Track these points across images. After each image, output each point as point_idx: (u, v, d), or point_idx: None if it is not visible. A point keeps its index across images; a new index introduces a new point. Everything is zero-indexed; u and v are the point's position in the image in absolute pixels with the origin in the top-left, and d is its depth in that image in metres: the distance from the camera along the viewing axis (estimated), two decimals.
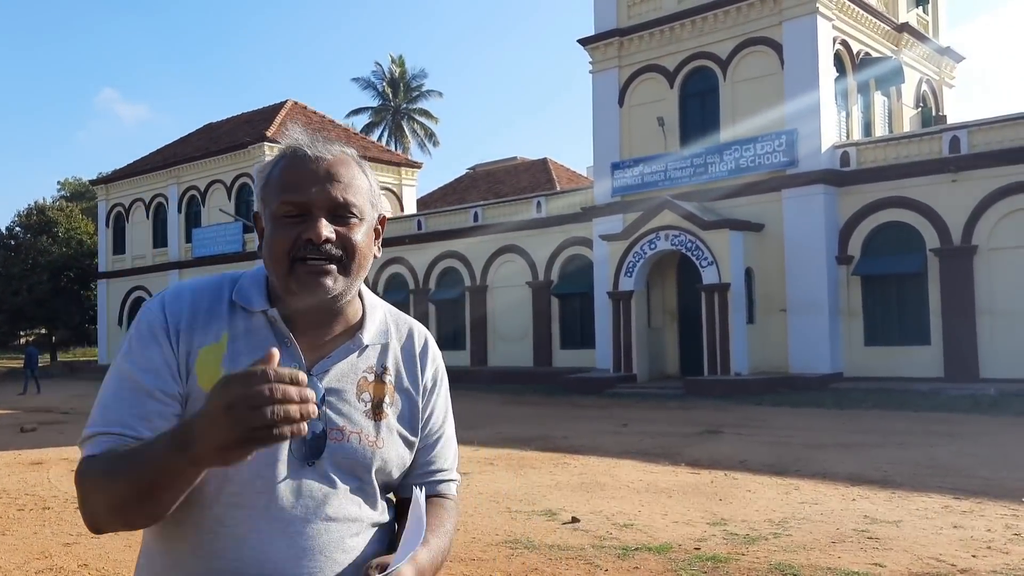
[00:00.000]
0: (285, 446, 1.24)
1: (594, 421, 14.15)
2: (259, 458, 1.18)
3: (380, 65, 53.45)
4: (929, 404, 15.05)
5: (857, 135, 21.25)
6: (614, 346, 21.26)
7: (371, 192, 1.36)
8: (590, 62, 23.67)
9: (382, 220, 1.40)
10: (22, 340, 49.54)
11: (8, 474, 9.69)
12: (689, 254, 20.00)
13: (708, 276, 19.60)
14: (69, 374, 37.48)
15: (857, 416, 13.96)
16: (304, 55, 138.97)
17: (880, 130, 22.31)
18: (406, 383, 1.40)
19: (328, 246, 1.27)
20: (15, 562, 5.74)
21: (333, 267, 1.28)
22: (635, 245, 20.88)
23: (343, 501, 1.29)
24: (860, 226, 19.48)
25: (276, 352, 1.04)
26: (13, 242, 43.63)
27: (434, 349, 1.48)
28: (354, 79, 52.39)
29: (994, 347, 17.69)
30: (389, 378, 1.38)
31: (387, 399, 1.36)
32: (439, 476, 1.46)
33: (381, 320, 1.42)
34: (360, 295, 1.40)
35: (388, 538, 1.38)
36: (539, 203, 25.78)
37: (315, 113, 36.03)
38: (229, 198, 33.47)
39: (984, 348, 17.82)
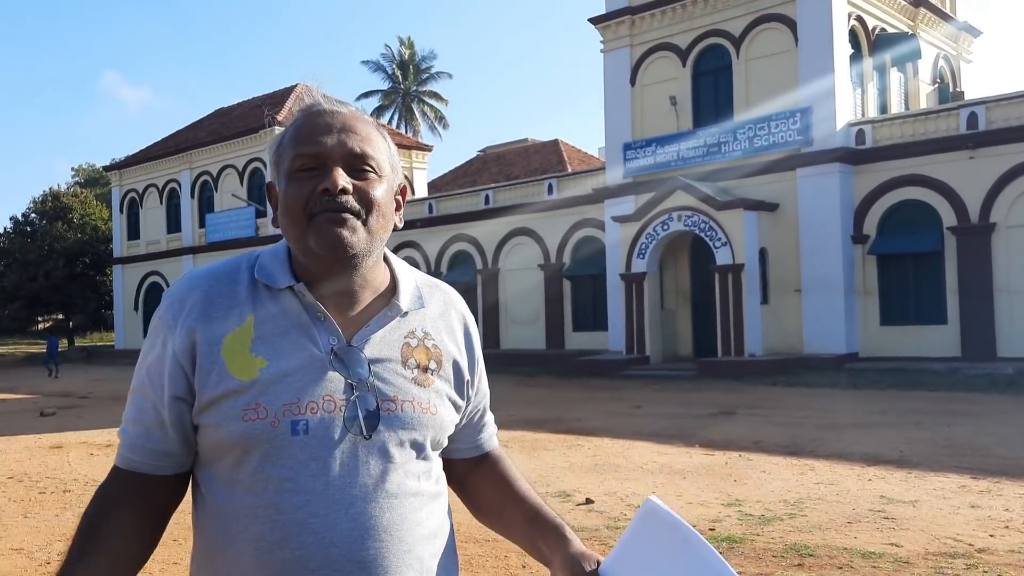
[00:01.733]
0: (339, 422, 1.19)
1: (607, 403, 14.15)
2: (311, 438, 1.17)
3: (389, 47, 53.42)
4: (946, 384, 14.97)
5: (873, 113, 21.02)
6: (627, 328, 21.23)
7: (390, 154, 1.29)
8: (601, 41, 23.49)
9: (403, 190, 1.32)
10: (40, 326, 50.03)
11: (29, 457, 9.80)
12: (702, 235, 19.91)
13: (722, 257, 19.51)
14: (87, 359, 37.81)
15: (873, 396, 13.90)
16: (313, 38, 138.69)
17: (896, 107, 22.07)
18: (449, 347, 1.34)
19: (345, 197, 1.20)
20: (37, 543, 5.82)
21: (353, 218, 1.20)
22: (648, 226, 20.80)
23: (402, 475, 1.22)
24: (876, 205, 19.32)
25: None
26: (29, 228, 43.96)
27: (468, 312, 1.43)
28: (363, 62, 52.31)
29: (1012, 326, 17.55)
30: (431, 342, 1.31)
31: (432, 364, 1.30)
32: (489, 433, 1.48)
33: (413, 285, 1.34)
34: (387, 260, 1.33)
35: (446, 508, 1.34)
36: (551, 185, 25.70)
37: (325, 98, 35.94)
38: (241, 183, 33.53)
39: (1002, 327, 17.68)
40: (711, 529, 5.67)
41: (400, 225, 1.31)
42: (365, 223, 1.22)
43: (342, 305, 1.25)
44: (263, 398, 1.17)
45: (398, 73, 52.51)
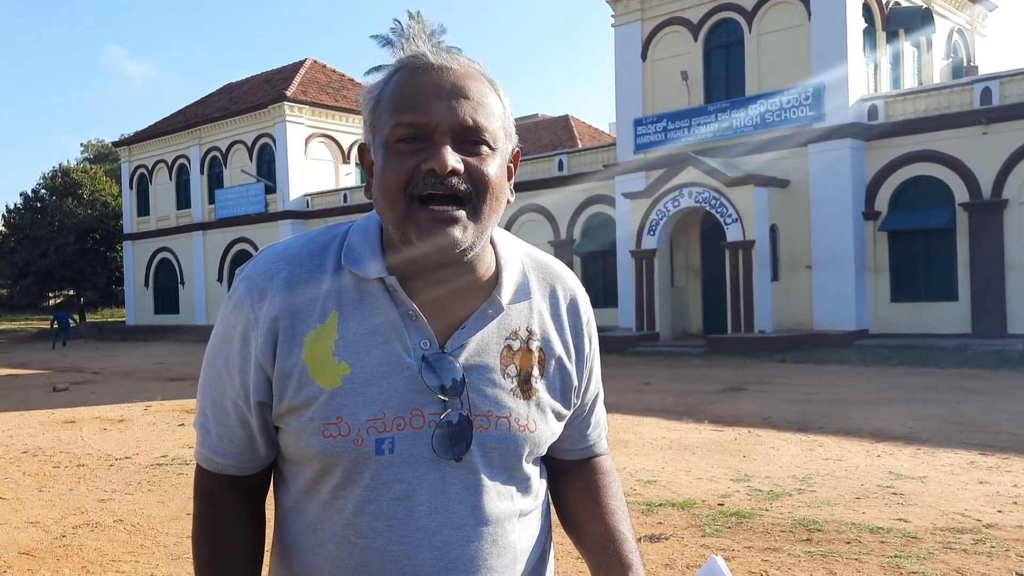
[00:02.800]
0: (426, 441, 1.07)
1: (617, 379, 14.18)
2: (396, 458, 1.06)
3: (399, 22, 52.91)
4: (955, 360, 14.94)
5: (886, 87, 20.82)
6: (636, 305, 21.22)
7: (504, 118, 1.10)
8: (612, 15, 23.28)
9: (516, 155, 1.15)
10: (51, 302, 50.34)
11: (43, 432, 9.90)
12: (713, 211, 19.83)
13: (732, 233, 19.44)
14: (98, 335, 38.08)
15: (882, 373, 13.89)
16: (320, 12, 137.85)
17: (909, 82, 21.83)
18: (556, 348, 1.17)
19: (454, 179, 1.03)
20: (53, 517, 5.89)
21: (462, 213, 1.04)
22: (658, 202, 20.72)
23: (494, 498, 1.10)
24: (888, 181, 19.18)
25: None
26: (39, 204, 44.09)
27: (585, 301, 1.25)
28: (372, 36, 51.93)
29: (1023, 303, 17.46)
30: (536, 344, 1.15)
31: (535, 371, 1.14)
32: (596, 436, 1.31)
33: (519, 272, 1.16)
34: (492, 242, 1.15)
35: (544, 523, 1.22)
36: (561, 161, 25.59)
37: (334, 71, 35.84)
38: (250, 158, 33.50)
39: (1013, 304, 17.59)
40: (720, 504, 5.71)
41: (512, 199, 1.14)
42: (475, 211, 1.05)
43: (438, 299, 1.10)
44: (345, 412, 1.06)
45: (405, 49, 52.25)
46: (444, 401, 1.07)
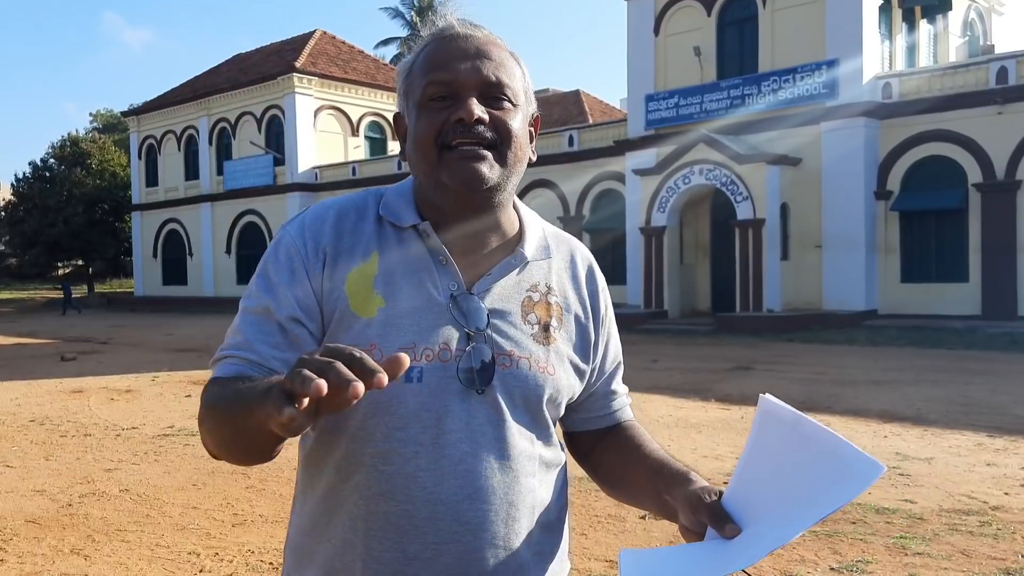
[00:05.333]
0: (452, 373, 1.12)
1: (624, 356, 14.16)
2: (424, 387, 1.11)
3: None
4: (965, 342, 14.87)
5: (900, 65, 20.57)
6: (645, 282, 21.16)
7: (525, 82, 1.21)
8: None
9: (536, 120, 1.25)
10: (59, 271, 50.53)
11: (51, 401, 9.95)
12: (724, 189, 19.70)
13: (742, 211, 19.32)
14: (106, 305, 38.23)
15: (891, 353, 13.83)
16: None
17: (924, 60, 21.57)
18: (574, 306, 1.26)
19: (481, 128, 1.13)
20: (59, 486, 5.92)
21: (488, 152, 1.13)
22: (668, 180, 20.60)
23: (516, 435, 1.15)
24: (900, 160, 19.01)
25: (405, 359, 0.85)
26: (48, 174, 44.11)
27: (597, 268, 1.34)
28: (382, 8, 51.54)
29: None
30: (555, 298, 1.23)
31: (555, 322, 1.22)
32: (621, 403, 1.36)
33: (540, 235, 1.26)
34: (515, 207, 1.26)
35: (561, 477, 1.26)
36: (571, 136, 25.44)
37: (344, 43, 35.63)
38: (259, 130, 33.40)
39: None
40: (725, 482, 5.68)
41: (534, 159, 1.24)
42: (501, 156, 1.15)
43: (467, 249, 1.19)
44: (379, 340, 1.12)
45: (417, 20, 51.83)
46: (469, 336, 1.14)
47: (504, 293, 1.19)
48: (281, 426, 0.82)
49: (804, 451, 1.02)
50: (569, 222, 25.05)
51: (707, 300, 21.73)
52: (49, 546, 4.59)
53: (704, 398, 9.49)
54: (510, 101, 1.17)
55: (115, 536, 4.76)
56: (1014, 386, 10.02)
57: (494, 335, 1.15)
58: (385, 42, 52.12)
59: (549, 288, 1.23)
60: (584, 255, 1.32)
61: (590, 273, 1.31)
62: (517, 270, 1.20)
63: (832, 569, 4.06)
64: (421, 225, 1.17)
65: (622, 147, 22.95)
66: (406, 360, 0.85)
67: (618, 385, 1.36)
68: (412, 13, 51.78)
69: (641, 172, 21.23)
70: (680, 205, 20.84)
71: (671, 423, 7.97)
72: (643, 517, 4.92)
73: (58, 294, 37.49)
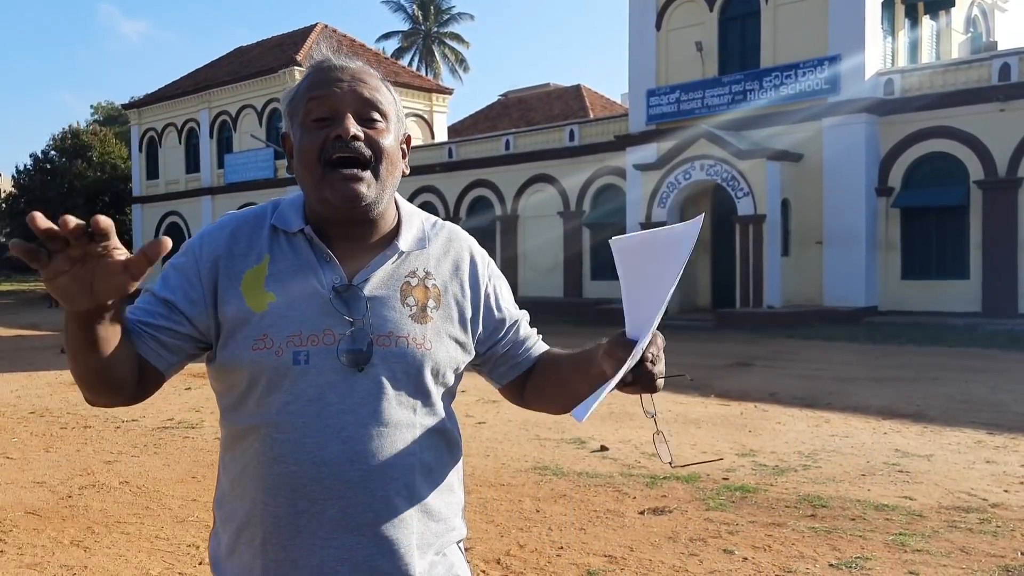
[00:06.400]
0: (334, 355, 1.30)
1: None
2: (311, 368, 1.29)
3: None
4: (965, 339, 14.86)
5: (903, 62, 20.54)
6: None
7: (396, 106, 1.38)
8: None
9: (407, 139, 1.43)
10: None
11: (50, 393, 9.95)
12: (724, 185, 19.68)
13: (743, 207, 19.30)
14: None
15: (891, 350, 13.83)
16: None
17: (927, 57, 21.53)
18: (451, 286, 1.42)
19: (357, 144, 1.30)
20: (59, 477, 5.92)
21: (367, 173, 1.31)
22: (669, 175, 20.57)
23: (395, 406, 1.32)
24: (902, 157, 18.99)
25: (166, 240, 1.10)
26: (49, 166, 44.06)
27: (476, 248, 1.50)
28: (383, 1, 51.42)
29: None
30: (432, 282, 1.40)
31: (431, 302, 1.39)
32: (532, 341, 1.55)
33: (418, 227, 1.43)
34: (396, 204, 1.42)
35: (447, 443, 1.42)
36: (572, 131, 25.40)
37: (345, 37, 35.56)
38: (260, 123, 33.37)
39: None
40: (724, 478, 5.69)
41: (407, 172, 1.42)
42: (375, 171, 1.32)
43: (349, 247, 1.35)
44: (271, 330, 1.30)
45: (419, 13, 51.74)
46: (351, 322, 1.31)
47: (382, 281, 1.35)
48: (47, 281, 1.06)
49: (653, 254, 1.25)
50: (569, 217, 25.04)
51: (707, 296, 21.72)
52: (49, 537, 4.60)
53: (704, 394, 9.48)
54: (383, 120, 1.34)
55: (115, 528, 4.76)
56: (1014, 383, 10.02)
57: (372, 319, 1.32)
58: (386, 36, 52.09)
59: (427, 273, 1.40)
60: (462, 240, 1.48)
61: (468, 256, 1.47)
62: (393, 260, 1.37)
63: (831, 565, 4.06)
64: (306, 229, 1.35)
65: (623, 142, 22.93)
66: (163, 242, 1.08)
67: (526, 333, 1.54)
68: (414, 7, 51.67)
69: (642, 167, 21.21)
70: (681, 201, 20.81)
71: (670, 418, 7.97)
72: (642, 512, 4.93)
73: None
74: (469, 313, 1.44)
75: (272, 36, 36.93)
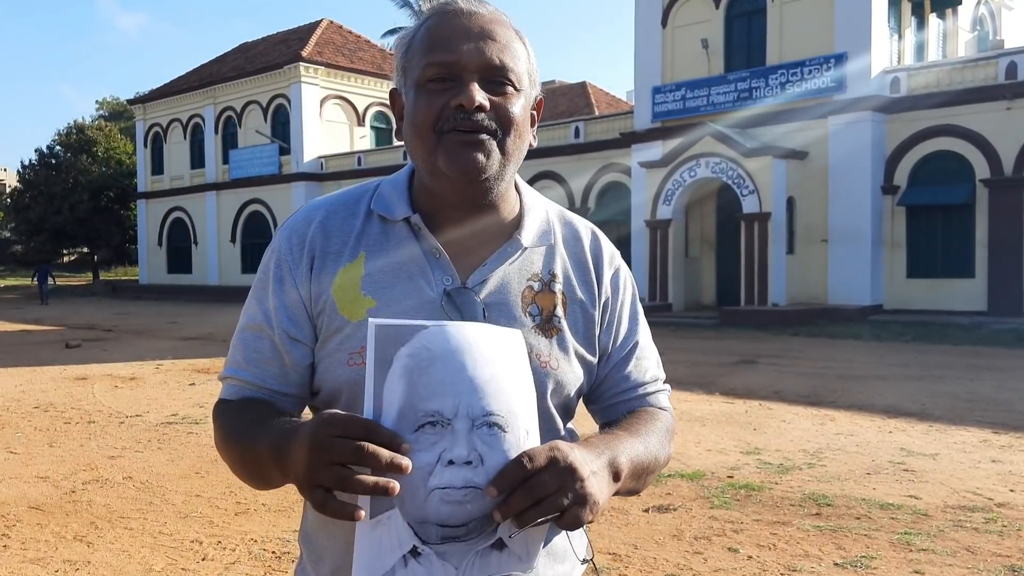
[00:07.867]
0: None
1: None
2: None
3: None
4: (971, 338, 14.82)
5: (909, 60, 20.46)
6: (650, 275, 21.12)
7: (529, 64, 1.15)
8: None
9: (539, 104, 1.20)
10: (65, 259, 50.63)
11: (55, 388, 9.97)
12: (730, 182, 19.63)
13: (748, 205, 19.26)
14: (111, 293, 38.28)
15: (896, 349, 13.79)
16: None
17: (933, 55, 21.45)
18: (579, 292, 1.20)
19: (481, 115, 1.07)
20: (63, 472, 5.93)
21: (488, 138, 1.08)
22: (674, 172, 20.53)
23: None
24: (908, 155, 18.92)
25: (408, 449, 0.91)
26: (54, 161, 44.14)
27: (610, 249, 1.26)
28: None
29: None
30: (558, 286, 1.17)
31: (558, 311, 1.16)
32: (641, 391, 1.28)
33: (543, 219, 1.21)
34: (517, 189, 1.21)
35: None
36: (577, 128, 25.36)
37: (350, 33, 35.56)
38: (265, 119, 33.36)
39: None
40: (729, 476, 5.68)
41: (535, 144, 1.20)
42: (501, 144, 1.10)
43: (463, 238, 1.14)
44: None
45: (424, 9, 51.69)
46: None
47: (502, 284, 1.14)
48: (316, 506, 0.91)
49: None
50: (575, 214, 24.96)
51: (712, 293, 21.69)
52: (52, 532, 4.60)
53: (709, 392, 9.46)
54: (513, 86, 1.11)
55: (118, 523, 4.76)
56: (1020, 382, 9.98)
57: None
58: (392, 31, 51.98)
59: (552, 275, 1.18)
60: (591, 231, 1.26)
61: (598, 250, 1.24)
62: (514, 258, 1.15)
63: (836, 565, 4.04)
64: (413, 218, 1.14)
65: (628, 139, 22.88)
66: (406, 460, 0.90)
67: (635, 371, 1.27)
68: (419, 2, 51.62)
69: (647, 165, 21.17)
70: (686, 198, 20.78)
71: (675, 416, 7.95)
72: (647, 510, 4.91)
73: (67, 281, 37.34)
74: (596, 326, 1.21)
75: (277, 32, 36.97)
